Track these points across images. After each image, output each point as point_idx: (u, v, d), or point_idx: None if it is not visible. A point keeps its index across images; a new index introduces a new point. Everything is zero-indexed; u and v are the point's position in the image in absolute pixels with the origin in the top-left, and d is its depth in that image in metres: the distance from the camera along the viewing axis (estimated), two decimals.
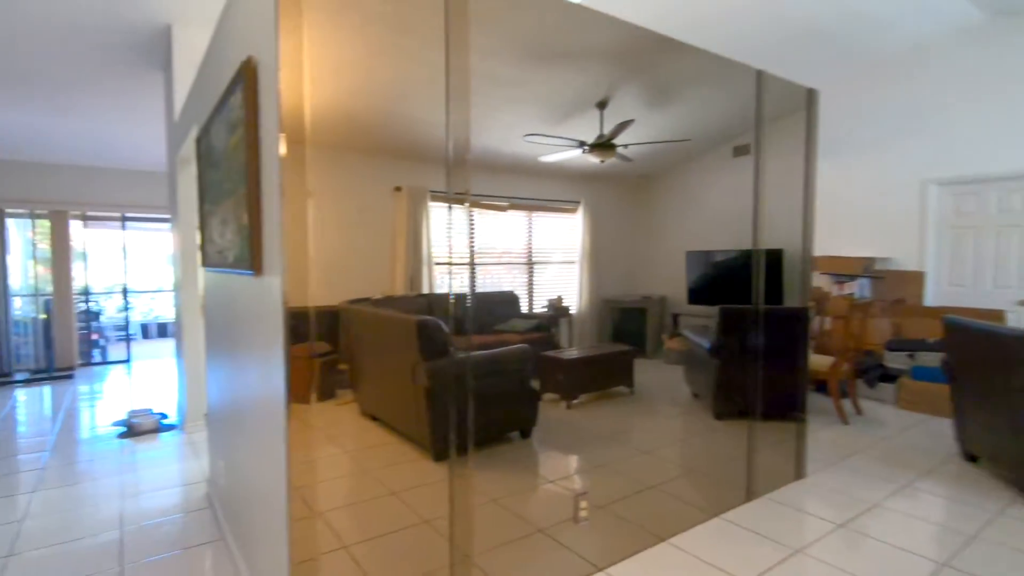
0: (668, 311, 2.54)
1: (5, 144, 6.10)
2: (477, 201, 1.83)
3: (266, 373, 1.73)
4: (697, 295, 2.59)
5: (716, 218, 2.64)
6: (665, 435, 2.60)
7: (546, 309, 2.24)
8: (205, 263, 2.78)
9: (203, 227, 2.79)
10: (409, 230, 1.77)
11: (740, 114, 2.70)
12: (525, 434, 2.18)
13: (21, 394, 5.76)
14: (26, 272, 7.20)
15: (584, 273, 2.30)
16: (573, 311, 2.31)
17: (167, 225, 7.97)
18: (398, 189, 1.75)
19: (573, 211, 2.28)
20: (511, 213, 1.98)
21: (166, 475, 3.31)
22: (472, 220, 1.85)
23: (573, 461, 2.30)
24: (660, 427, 2.59)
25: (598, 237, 2.32)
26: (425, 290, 1.83)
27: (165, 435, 4.12)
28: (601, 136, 2.20)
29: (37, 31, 3.58)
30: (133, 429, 4.14)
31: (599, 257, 2.33)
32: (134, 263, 8.00)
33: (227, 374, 2.45)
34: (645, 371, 2.49)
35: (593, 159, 2.24)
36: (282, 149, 1.49)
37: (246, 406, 2.08)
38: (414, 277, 1.81)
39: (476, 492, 1.94)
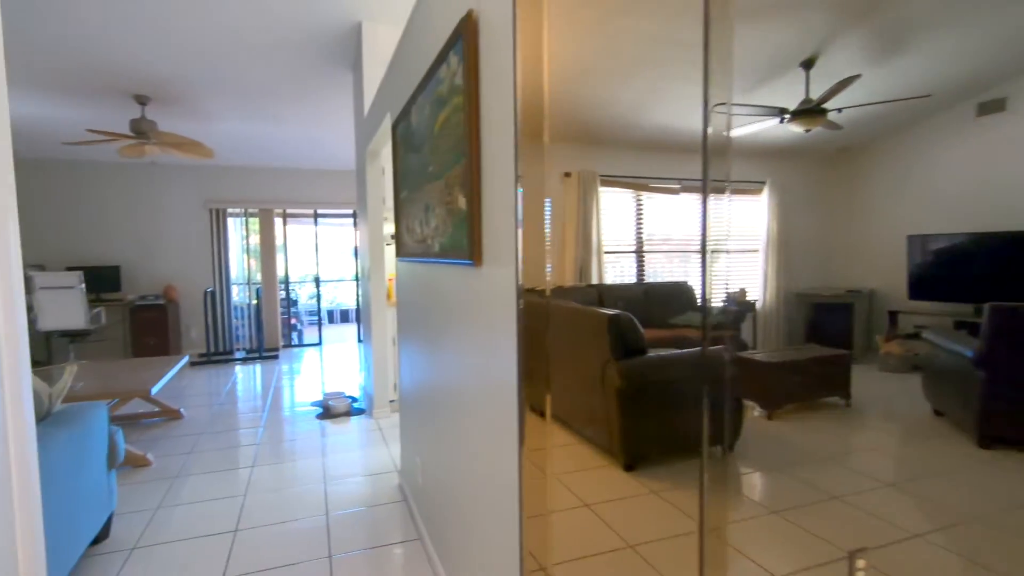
0: (880, 307, 2.34)
1: (225, 152, 7.64)
2: (645, 184, 1.92)
3: (491, 370, 1.73)
4: (923, 288, 2.33)
5: (951, 194, 2.34)
6: (907, 462, 2.29)
7: (725, 303, 2.22)
8: (400, 253, 2.85)
9: (399, 216, 2.83)
10: (579, 217, 1.90)
11: (1008, 54, 2.37)
12: (727, 448, 2.03)
13: (239, 371, 7.19)
14: (241, 264, 8.93)
15: (769, 262, 2.23)
16: (757, 305, 2.25)
17: (349, 220, 9.27)
18: (567, 175, 1.88)
19: (757, 193, 2.23)
20: (683, 196, 2.02)
21: (360, 460, 3.90)
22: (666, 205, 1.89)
23: (794, 488, 2.08)
24: (896, 451, 2.32)
25: (787, 221, 2.23)
26: (594, 280, 1.94)
27: (355, 418, 4.87)
28: (808, 100, 2.09)
29: (247, 47, 4.46)
30: (329, 411, 4.96)
31: (788, 244, 2.23)
32: (323, 255, 9.44)
33: (426, 367, 2.55)
34: (855, 378, 2.31)
35: (796, 129, 2.15)
36: (508, 123, 1.42)
37: (457, 401, 2.09)
38: (583, 266, 1.93)
39: (687, 518, 1.76)
